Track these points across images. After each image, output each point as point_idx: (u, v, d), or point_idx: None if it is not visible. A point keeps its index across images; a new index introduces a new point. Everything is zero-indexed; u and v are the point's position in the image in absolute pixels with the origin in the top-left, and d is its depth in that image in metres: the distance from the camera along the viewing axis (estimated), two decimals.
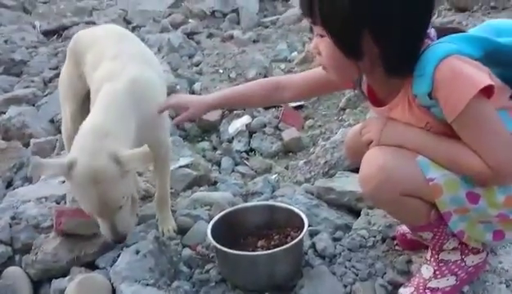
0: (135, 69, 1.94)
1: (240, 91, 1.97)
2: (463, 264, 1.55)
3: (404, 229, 1.80)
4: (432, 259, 1.58)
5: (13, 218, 2.19)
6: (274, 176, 2.73)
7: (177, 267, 1.93)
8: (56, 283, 1.80)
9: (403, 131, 1.45)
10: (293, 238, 1.79)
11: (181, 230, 2.15)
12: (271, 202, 2.14)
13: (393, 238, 1.85)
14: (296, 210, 1.89)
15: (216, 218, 1.90)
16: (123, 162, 1.65)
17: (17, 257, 2.04)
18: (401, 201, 1.44)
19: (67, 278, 1.83)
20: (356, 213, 2.12)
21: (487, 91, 1.29)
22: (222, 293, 1.74)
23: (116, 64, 1.96)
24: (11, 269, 1.95)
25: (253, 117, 3.37)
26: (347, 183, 2.24)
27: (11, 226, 2.14)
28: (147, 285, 1.75)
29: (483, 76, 1.30)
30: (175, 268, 1.93)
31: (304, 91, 1.84)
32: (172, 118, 2.30)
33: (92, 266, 1.93)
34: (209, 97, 1.98)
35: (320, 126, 3.23)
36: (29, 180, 2.79)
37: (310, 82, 1.79)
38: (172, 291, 1.75)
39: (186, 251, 2.00)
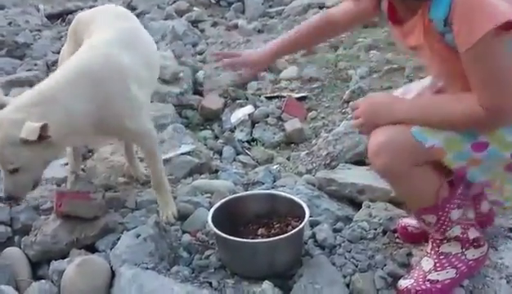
0: (103, 51, 1.93)
1: (295, 35, 1.90)
2: (463, 257, 1.55)
3: (406, 221, 1.80)
4: (432, 251, 1.58)
5: None
6: (275, 167, 2.72)
7: (177, 252, 1.94)
8: (55, 265, 1.80)
9: (391, 108, 1.45)
10: (293, 228, 1.79)
11: (182, 216, 2.15)
12: (272, 191, 2.13)
13: (394, 231, 1.85)
14: (297, 199, 1.89)
15: (217, 205, 1.90)
16: (22, 131, 1.68)
17: (16, 238, 2.04)
18: (410, 176, 1.44)
19: (66, 259, 1.83)
20: (357, 205, 2.12)
21: (508, 26, 1.20)
22: (222, 279, 1.74)
23: (92, 43, 1.97)
24: (10, 250, 1.95)
25: (255, 106, 3.36)
26: (348, 175, 2.23)
27: (11, 207, 2.13)
28: (147, 269, 1.75)
29: (507, 8, 1.20)
30: (175, 253, 1.93)
31: (347, 22, 1.83)
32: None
33: (91, 249, 1.93)
34: (268, 47, 1.92)
35: (323, 117, 3.22)
36: None
37: (348, 14, 1.78)
38: (171, 275, 1.75)
39: (186, 237, 2.00)
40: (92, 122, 1.86)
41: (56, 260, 1.85)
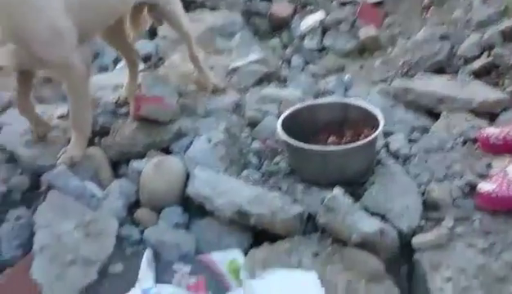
0: None
1: None
2: None
3: (488, 132, 1.70)
4: None
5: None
6: (347, 76, 2.63)
7: (247, 158, 1.97)
8: (134, 164, 1.89)
9: None
10: (366, 137, 1.75)
11: (251, 124, 2.17)
12: (345, 99, 2.07)
13: (474, 141, 1.76)
14: (371, 108, 1.82)
15: (286, 113, 1.88)
16: None
17: (96, 139, 2.15)
18: None
19: (144, 159, 1.92)
20: (435, 116, 2.02)
21: None
22: (291, 184, 1.76)
23: None
24: (92, 150, 2.05)
25: (327, 13, 3.20)
26: (427, 84, 2.11)
27: None
28: (218, 172, 1.80)
29: None
30: (245, 158, 1.97)
31: None
32: None
33: (166, 152, 2.00)
34: None
35: (400, 24, 3.02)
36: (104, 68, 2.86)
37: None
38: (242, 178, 1.80)
39: (256, 144, 2.02)
40: None
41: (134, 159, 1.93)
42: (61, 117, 2.21)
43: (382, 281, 1.41)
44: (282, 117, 1.85)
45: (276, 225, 1.60)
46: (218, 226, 1.69)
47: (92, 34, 2.02)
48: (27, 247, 1.58)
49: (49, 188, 1.77)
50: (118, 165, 2.02)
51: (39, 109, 2.12)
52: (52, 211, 1.68)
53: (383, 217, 1.56)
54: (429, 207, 1.60)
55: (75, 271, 1.47)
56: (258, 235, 1.67)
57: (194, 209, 1.77)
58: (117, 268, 1.55)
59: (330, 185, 1.66)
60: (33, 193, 1.85)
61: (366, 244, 1.47)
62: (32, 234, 1.60)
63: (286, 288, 1.39)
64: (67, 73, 1.80)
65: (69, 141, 1.96)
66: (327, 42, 3.04)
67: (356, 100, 2.06)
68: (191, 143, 1.97)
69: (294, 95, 2.34)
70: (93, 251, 1.52)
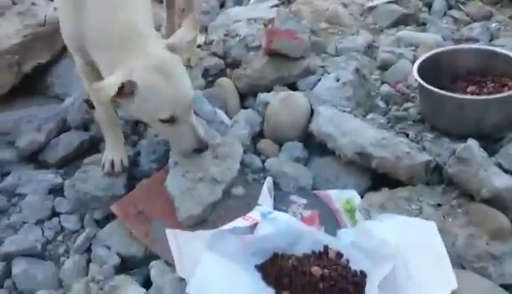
0: None
1: None
2: None
3: None
4: None
5: (226, 35, 2.35)
6: (494, 24, 2.39)
7: (374, 101, 1.92)
8: (262, 97, 1.94)
9: None
10: (510, 89, 1.60)
11: (382, 66, 2.09)
12: (489, 47, 1.90)
13: None
14: None
15: (424, 57, 1.78)
16: None
17: (228, 70, 2.24)
18: None
19: (271, 93, 1.96)
20: None
21: None
22: (419, 132, 1.69)
23: None
24: (223, 80, 2.15)
25: None
26: None
27: (224, 42, 2.31)
28: (344, 111, 1.79)
29: None
30: (372, 102, 1.92)
31: None
32: None
33: (293, 88, 2.03)
34: None
35: None
36: (239, 2, 2.92)
37: None
38: (367, 121, 1.76)
39: (385, 88, 1.96)
40: None
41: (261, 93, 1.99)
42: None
43: (506, 240, 1.33)
44: (419, 60, 1.75)
45: (399, 171, 1.56)
46: (337, 165, 1.70)
47: None
48: (162, 161, 1.74)
49: None
50: (245, 97, 2.10)
51: None
52: None
53: None
54: None
55: (203, 188, 1.58)
56: (376, 180, 1.65)
57: (314, 146, 1.80)
58: (239, 191, 1.64)
59: (463, 137, 1.56)
60: None
61: (495, 200, 1.39)
62: (167, 151, 1.75)
63: (403, 233, 1.37)
64: None
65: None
66: None
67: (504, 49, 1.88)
68: (319, 81, 1.96)
69: (432, 39, 2.20)
70: (220, 172, 1.62)
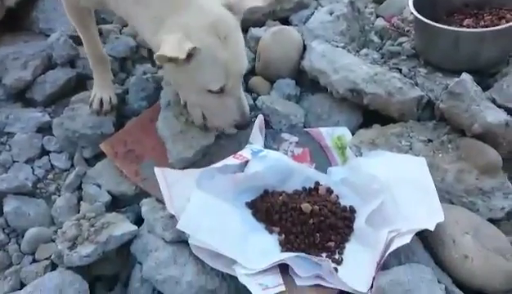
0: None
1: None
2: None
3: None
4: None
5: None
6: None
7: (368, 36, 1.87)
8: (253, 31, 1.89)
9: None
10: (508, 22, 1.55)
11: (377, 0, 2.02)
12: None
13: None
14: None
15: None
16: None
17: None
18: None
19: (263, 28, 1.90)
20: None
21: None
22: (413, 67, 1.66)
23: None
24: None
25: None
26: None
27: None
28: (337, 47, 1.74)
29: None
30: (366, 36, 1.87)
31: None
32: None
33: (285, 22, 1.97)
34: None
35: None
36: None
37: None
38: (360, 56, 1.72)
39: (380, 22, 1.90)
40: None
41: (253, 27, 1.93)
42: None
43: (496, 175, 1.34)
44: None
45: (390, 107, 1.54)
46: (329, 102, 1.68)
47: None
48: (152, 99, 1.71)
49: None
50: None
51: None
52: None
53: (510, 111, 1.43)
54: None
55: (197, 131, 1.54)
56: (367, 117, 1.64)
57: (306, 84, 1.77)
58: (230, 130, 1.61)
59: (457, 73, 1.53)
60: None
61: (486, 136, 1.38)
62: (157, 89, 1.71)
63: (392, 169, 1.37)
64: None
65: None
66: None
67: None
68: (312, 15, 1.90)
69: None
70: None
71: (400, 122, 1.55)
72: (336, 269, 1.24)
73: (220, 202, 1.37)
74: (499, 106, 1.44)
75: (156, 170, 1.45)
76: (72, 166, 1.64)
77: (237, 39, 1.32)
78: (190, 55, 1.22)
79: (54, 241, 1.42)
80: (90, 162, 1.63)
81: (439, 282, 1.14)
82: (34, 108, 1.80)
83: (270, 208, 1.38)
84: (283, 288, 1.20)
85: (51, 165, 1.65)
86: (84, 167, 1.60)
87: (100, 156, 1.60)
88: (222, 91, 1.33)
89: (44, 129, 1.72)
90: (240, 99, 1.37)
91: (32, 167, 1.63)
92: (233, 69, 1.31)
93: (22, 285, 1.36)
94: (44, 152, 1.68)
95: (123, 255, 1.38)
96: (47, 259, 1.40)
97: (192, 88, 1.36)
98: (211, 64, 1.27)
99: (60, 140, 1.67)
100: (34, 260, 1.42)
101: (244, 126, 1.41)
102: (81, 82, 1.85)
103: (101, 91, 1.68)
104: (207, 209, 1.34)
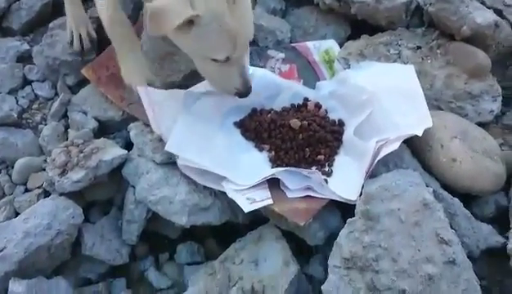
0: None
1: None
2: None
3: None
4: None
5: None
6: None
7: None
8: None
9: None
10: None
11: None
12: None
13: None
14: None
15: None
16: None
17: None
18: None
19: None
20: None
21: None
22: None
23: None
24: None
25: None
26: None
27: None
28: None
29: None
30: None
31: None
32: None
33: None
34: None
35: None
36: None
37: None
38: None
39: None
40: None
41: None
42: None
43: (485, 78, 1.32)
44: None
45: (378, 14, 1.49)
46: (316, 15, 1.63)
47: None
48: (132, 20, 1.62)
49: None
50: None
51: None
52: None
53: (500, 13, 1.38)
54: None
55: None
56: (356, 28, 1.59)
57: None
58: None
59: None
60: None
61: (475, 38, 1.35)
62: (135, 8, 1.64)
63: (380, 79, 1.35)
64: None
65: None
66: None
67: None
68: None
69: None
70: None
71: (389, 30, 1.51)
72: (326, 181, 1.26)
73: (208, 123, 1.36)
74: (488, 7, 1.39)
75: (139, 88, 1.42)
76: (56, 94, 1.60)
77: (246, 5, 1.23)
78: (190, 22, 1.14)
79: (44, 169, 1.42)
80: (74, 89, 1.59)
81: (427, 186, 1.16)
82: (12, 37, 1.74)
83: (259, 126, 1.37)
84: (270, 202, 1.22)
85: (35, 94, 1.62)
86: (68, 95, 1.57)
87: (83, 82, 1.57)
88: (227, 59, 1.25)
89: (24, 58, 1.67)
90: (244, 67, 1.31)
91: (16, 98, 1.60)
92: (241, 39, 1.22)
93: (17, 214, 1.37)
94: (26, 81, 1.64)
95: (116, 179, 1.38)
96: (38, 187, 1.40)
97: (195, 56, 1.29)
98: (215, 33, 1.17)
99: (42, 69, 1.62)
100: (27, 190, 1.42)
101: (244, 94, 1.34)
102: (57, 7, 1.77)
103: (77, 25, 1.59)
104: (195, 130, 1.33)
